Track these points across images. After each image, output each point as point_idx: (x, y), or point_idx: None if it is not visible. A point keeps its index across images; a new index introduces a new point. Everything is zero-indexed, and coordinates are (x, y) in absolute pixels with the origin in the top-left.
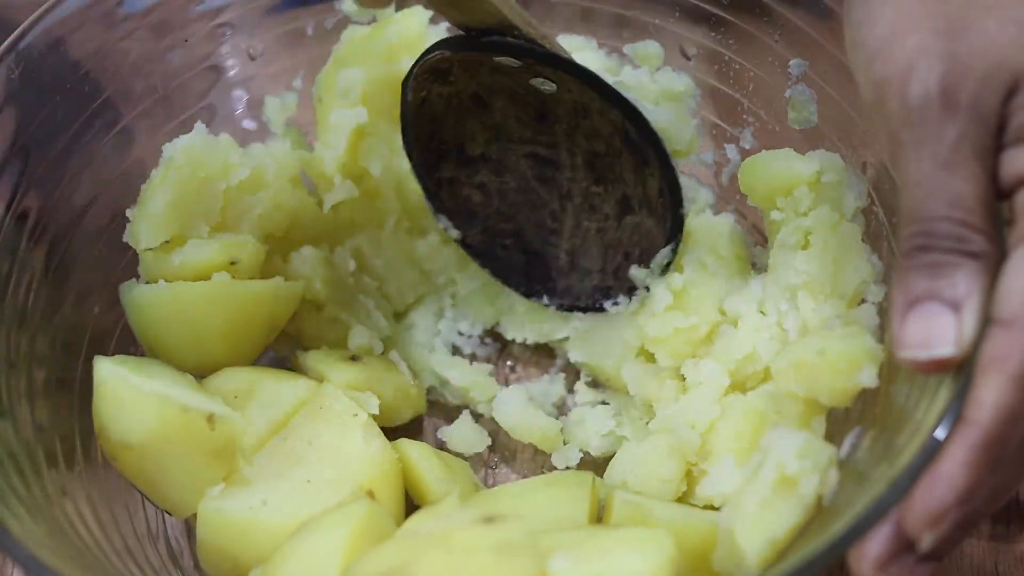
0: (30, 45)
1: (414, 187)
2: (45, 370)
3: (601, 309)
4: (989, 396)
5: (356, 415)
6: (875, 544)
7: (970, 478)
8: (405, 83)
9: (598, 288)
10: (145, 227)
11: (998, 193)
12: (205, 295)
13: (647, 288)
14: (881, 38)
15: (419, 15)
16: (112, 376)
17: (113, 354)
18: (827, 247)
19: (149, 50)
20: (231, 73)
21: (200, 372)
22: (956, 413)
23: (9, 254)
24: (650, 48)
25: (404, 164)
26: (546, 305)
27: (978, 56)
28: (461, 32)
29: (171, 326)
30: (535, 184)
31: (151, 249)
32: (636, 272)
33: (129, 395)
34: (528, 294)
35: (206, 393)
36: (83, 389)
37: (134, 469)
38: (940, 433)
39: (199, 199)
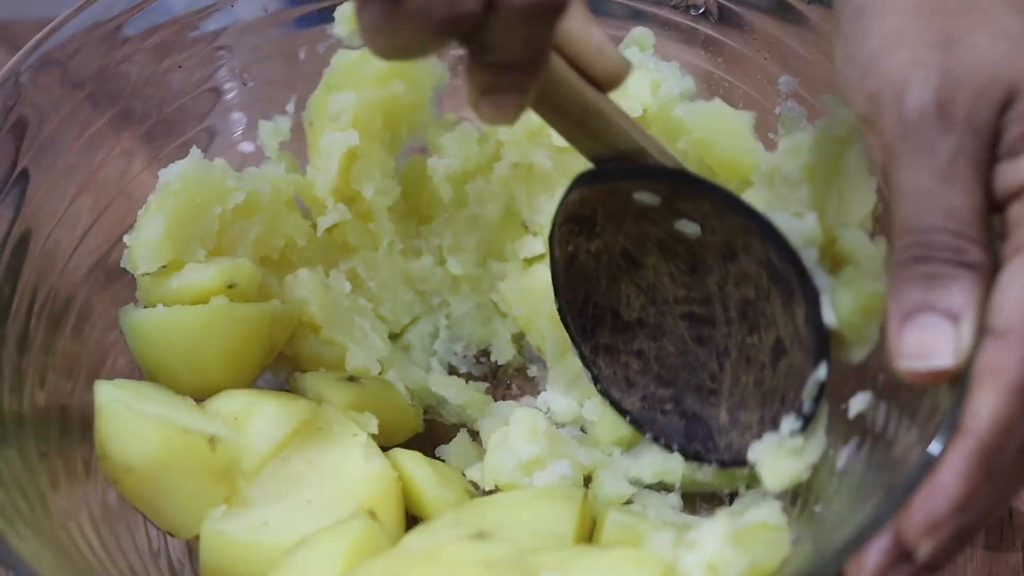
0: (31, 67)
1: (406, 208)
2: (46, 394)
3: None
4: (985, 406)
5: (355, 435)
6: (873, 554)
7: (967, 487)
8: (551, 237)
9: (757, 439)
10: (142, 252)
11: (991, 206)
12: (203, 319)
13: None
14: (873, 52)
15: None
16: (113, 400)
17: (113, 377)
18: (831, 178)
19: (149, 72)
20: (230, 96)
21: (199, 395)
22: (952, 423)
23: (10, 277)
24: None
25: (395, 187)
26: (709, 466)
27: (971, 70)
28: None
29: (169, 349)
30: (693, 346)
31: (149, 274)
32: (785, 422)
33: (130, 419)
34: (691, 457)
35: (206, 415)
36: (84, 413)
37: (136, 492)
38: (937, 444)
39: (195, 224)
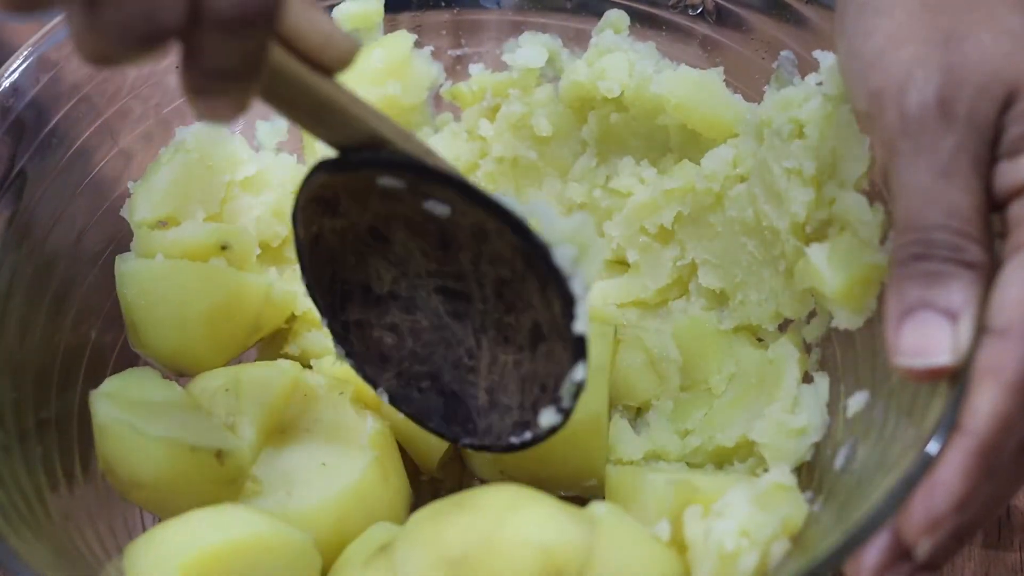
0: (28, 68)
1: None
2: (46, 393)
3: (517, 448)
4: (984, 404)
5: (341, 393)
6: (872, 553)
7: (966, 486)
8: (294, 218)
9: (518, 423)
10: (143, 200)
11: (992, 204)
12: (196, 274)
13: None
14: (876, 49)
15: (405, 39)
16: (115, 421)
17: (112, 373)
18: (824, 136)
19: (147, 72)
20: None
21: (178, 364)
22: (952, 422)
23: (8, 277)
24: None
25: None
26: (466, 446)
27: (974, 68)
28: (335, 154)
29: (158, 301)
30: (448, 320)
31: (146, 224)
32: (544, 415)
33: (136, 440)
34: (449, 438)
35: (206, 414)
36: (83, 412)
37: (146, 502)
38: (936, 442)
39: (201, 185)
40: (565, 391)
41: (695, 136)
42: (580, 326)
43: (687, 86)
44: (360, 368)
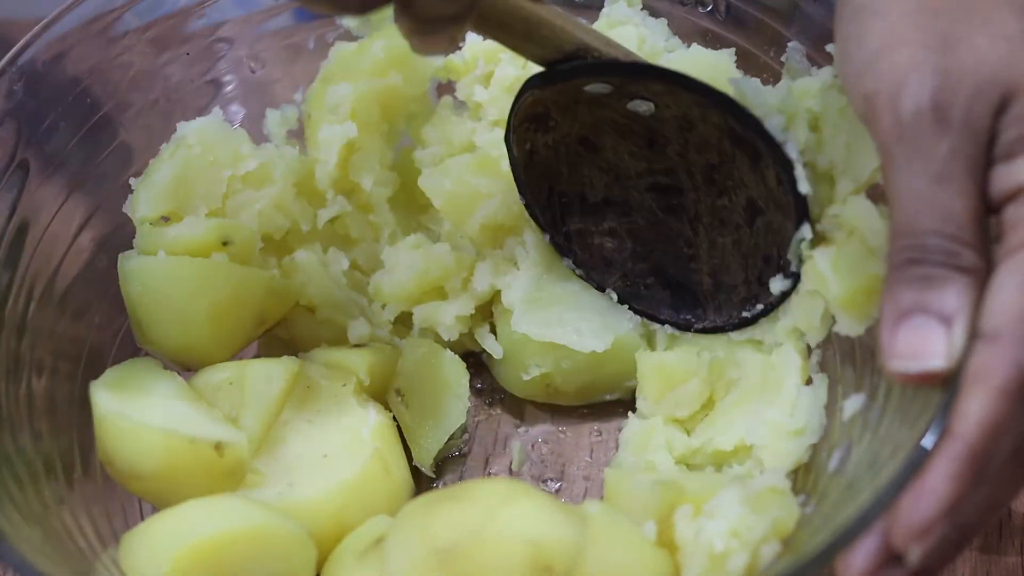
0: (30, 60)
1: (405, 200)
2: (44, 380)
3: (749, 321)
4: (975, 409)
5: (344, 385)
6: (861, 556)
7: (955, 491)
8: (507, 138)
9: (746, 299)
10: (145, 197)
11: (987, 208)
12: (199, 271)
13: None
14: (872, 52)
15: None
16: (114, 412)
17: (113, 364)
18: (837, 129)
19: (148, 65)
20: (229, 88)
21: (183, 359)
22: (942, 426)
23: (9, 265)
24: None
25: (394, 178)
26: (700, 331)
27: (969, 72)
28: (543, 69)
29: (162, 298)
30: (662, 216)
31: (148, 221)
32: (775, 283)
33: (135, 431)
34: (682, 327)
35: (206, 405)
36: (82, 401)
37: (145, 492)
38: (926, 445)
39: (203, 181)
40: (792, 253)
41: None
42: (803, 187)
43: (697, 66)
44: (588, 276)
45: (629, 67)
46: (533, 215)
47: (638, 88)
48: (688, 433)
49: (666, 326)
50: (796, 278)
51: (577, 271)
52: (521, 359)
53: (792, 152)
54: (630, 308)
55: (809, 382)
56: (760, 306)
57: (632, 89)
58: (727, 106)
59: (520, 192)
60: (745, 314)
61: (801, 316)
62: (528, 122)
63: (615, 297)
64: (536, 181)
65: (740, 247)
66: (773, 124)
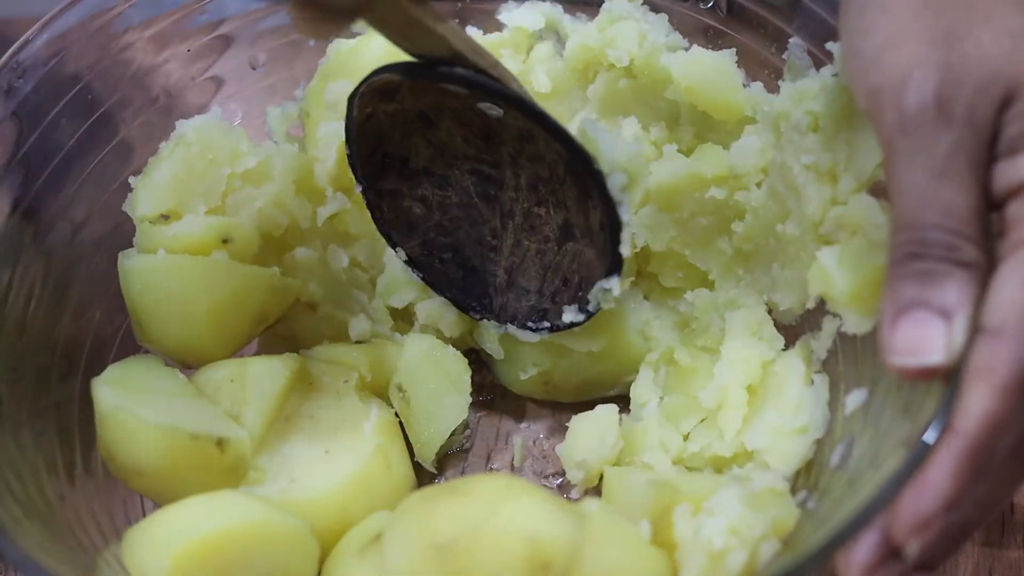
0: (31, 57)
1: None
2: (46, 377)
3: (532, 330)
4: (976, 405)
5: (346, 381)
6: (862, 550)
7: (955, 486)
8: (351, 99)
9: (535, 309)
10: (144, 195)
11: (989, 204)
12: (200, 269)
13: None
14: (876, 47)
15: None
16: (116, 408)
17: (114, 361)
18: (839, 127)
19: (149, 62)
20: (229, 85)
21: (184, 357)
22: (943, 421)
23: (10, 264)
24: None
25: None
26: (479, 320)
27: (973, 67)
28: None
29: (163, 297)
30: (477, 200)
31: (148, 219)
32: (568, 312)
33: (136, 427)
34: (464, 309)
35: (208, 401)
36: (83, 398)
37: (146, 488)
38: (927, 440)
39: (202, 179)
40: (593, 295)
41: (706, 115)
42: (625, 250)
43: (698, 69)
44: (387, 232)
45: (494, 90)
46: (352, 165)
47: (495, 97)
48: (684, 438)
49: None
50: (588, 315)
51: (378, 227)
52: (519, 358)
53: (625, 214)
54: (419, 276)
55: (810, 382)
56: (546, 323)
57: (485, 95)
58: (573, 151)
59: (347, 145)
60: (530, 324)
61: (816, 338)
62: (376, 92)
63: (404, 257)
64: (366, 139)
65: (543, 258)
66: (615, 181)
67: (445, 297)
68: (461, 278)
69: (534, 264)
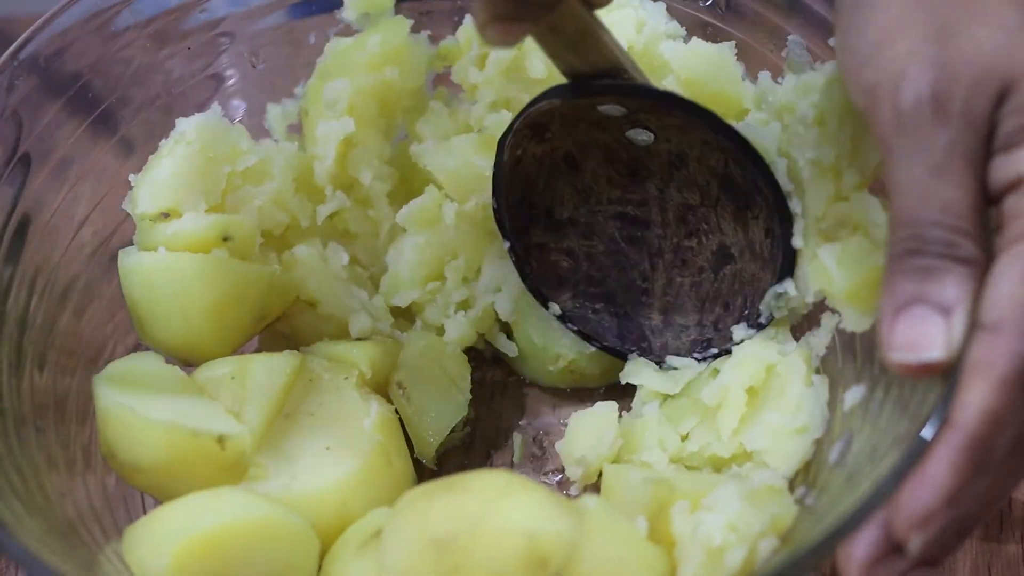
0: (31, 55)
1: (404, 194)
2: (46, 374)
3: (704, 359)
4: (975, 399)
5: (346, 378)
6: (862, 546)
7: (956, 481)
8: (502, 141)
9: (697, 341)
10: (145, 193)
11: (987, 199)
12: (199, 267)
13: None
14: (871, 44)
15: (402, 24)
16: (116, 405)
17: (115, 358)
18: (843, 123)
19: (149, 60)
20: (230, 82)
21: (185, 355)
22: (942, 416)
23: (11, 260)
24: None
25: (393, 173)
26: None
27: (968, 63)
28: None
29: (162, 295)
30: (623, 245)
31: (148, 217)
32: (738, 331)
33: (137, 424)
34: (622, 356)
35: (208, 398)
36: (83, 395)
37: (147, 485)
38: (926, 435)
39: (202, 177)
40: (765, 305)
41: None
42: (798, 241)
43: (697, 60)
44: (535, 289)
45: (659, 94)
46: (499, 220)
47: (649, 117)
48: (683, 438)
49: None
50: (760, 328)
51: (526, 283)
52: (546, 353)
53: (796, 206)
54: (573, 329)
55: (811, 382)
56: (713, 350)
57: (642, 117)
58: (742, 148)
59: (494, 194)
60: (696, 356)
61: (815, 335)
62: (528, 129)
63: (558, 312)
64: (514, 187)
65: (699, 290)
66: (781, 173)
67: (602, 347)
68: (616, 325)
69: (690, 298)
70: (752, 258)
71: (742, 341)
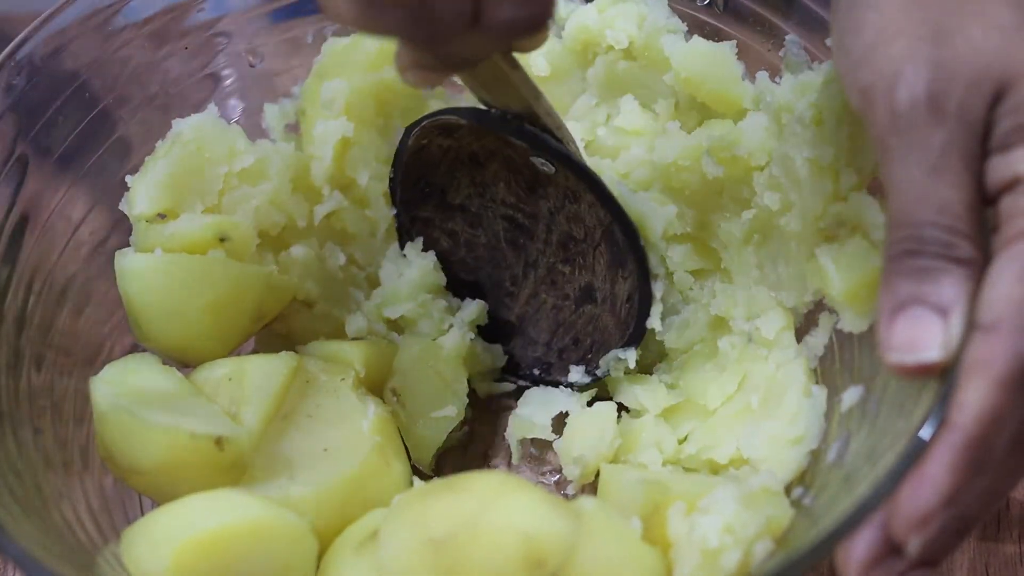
0: (29, 54)
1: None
2: (44, 375)
3: (537, 381)
4: (972, 399)
5: (343, 379)
6: (861, 546)
7: (954, 481)
8: (409, 129)
9: (540, 360)
10: (142, 193)
11: (983, 199)
12: (197, 268)
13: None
14: (867, 44)
15: None
16: (114, 408)
17: (112, 359)
18: (841, 122)
19: (147, 59)
20: (228, 82)
21: (182, 356)
22: (940, 417)
23: (8, 262)
24: None
25: (391, 173)
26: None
27: (964, 63)
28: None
29: (160, 296)
30: (504, 245)
31: (145, 218)
32: (574, 372)
33: (135, 427)
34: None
35: (206, 400)
36: (80, 396)
37: (145, 487)
38: (924, 435)
39: (199, 178)
40: (604, 361)
41: (705, 106)
42: (655, 323)
43: (698, 59)
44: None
45: (555, 152)
46: (392, 190)
47: (551, 158)
48: (680, 442)
49: None
50: (595, 379)
51: (401, 252)
52: None
53: (658, 290)
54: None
55: (809, 392)
56: (549, 377)
57: (544, 153)
58: (620, 222)
59: (393, 169)
60: (535, 371)
61: (812, 335)
62: (437, 128)
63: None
64: (414, 168)
65: (558, 314)
66: (654, 258)
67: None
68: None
69: (547, 318)
70: (611, 311)
71: (572, 385)
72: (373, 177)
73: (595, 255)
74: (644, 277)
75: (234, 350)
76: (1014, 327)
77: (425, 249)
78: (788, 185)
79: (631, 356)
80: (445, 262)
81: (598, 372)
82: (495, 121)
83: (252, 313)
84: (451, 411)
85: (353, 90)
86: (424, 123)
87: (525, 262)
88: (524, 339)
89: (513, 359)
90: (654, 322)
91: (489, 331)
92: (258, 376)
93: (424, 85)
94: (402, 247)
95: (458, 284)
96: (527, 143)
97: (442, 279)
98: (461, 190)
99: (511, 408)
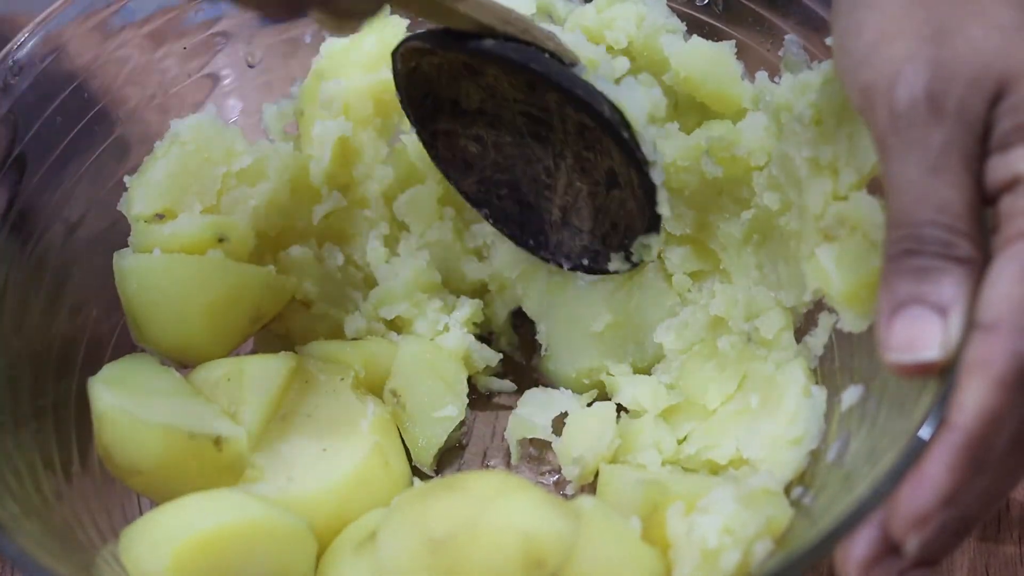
0: (27, 54)
1: (400, 194)
2: (43, 376)
3: (589, 271)
4: (972, 399)
5: (342, 379)
6: (860, 546)
7: (953, 480)
8: (393, 55)
9: (587, 249)
10: (140, 194)
11: (983, 199)
12: (195, 268)
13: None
14: (867, 44)
15: (397, 25)
16: (113, 408)
17: (111, 359)
18: (841, 121)
19: (145, 60)
20: (226, 82)
21: (181, 357)
22: (939, 416)
23: (6, 262)
24: None
25: (389, 172)
26: (540, 258)
27: (964, 62)
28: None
29: (158, 296)
30: (530, 140)
31: (143, 219)
32: (614, 260)
33: (134, 427)
34: (523, 245)
35: (205, 400)
36: (80, 397)
37: (144, 487)
38: (923, 435)
39: (197, 178)
40: (636, 248)
41: (704, 106)
42: (664, 210)
43: (697, 59)
44: (445, 171)
45: (516, 63)
46: (405, 111)
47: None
48: (680, 442)
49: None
50: (633, 266)
51: (437, 165)
52: (568, 359)
53: (658, 177)
54: (480, 212)
55: (809, 393)
56: (596, 266)
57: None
58: (605, 126)
59: (397, 91)
60: (584, 260)
61: (812, 335)
62: (415, 51)
63: (468, 199)
64: (415, 87)
65: (594, 199)
66: (648, 141)
67: (505, 234)
68: (518, 213)
69: (587, 204)
70: (632, 196)
71: (617, 271)
72: (371, 177)
73: (607, 141)
74: (642, 169)
75: (233, 350)
76: (1014, 327)
77: (455, 158)
78: (788, 185)
79: (654, 242)
80: (478, 168)
81: (633, 259)
82: (452, 42)
83: (251, 313)
84: (451, 411)
85: (351, 90)
86: (400, 50)
87: (553, 153)
88: (571, 229)
89: (563, 250)
90: (663, 208)
91: (535, 225)
92: (257, 376)
93: (343, 32)
94: (435, 163)
95: (496, 187)
96: (490, 60)
97: (437, 277)
98: (472, 96)
99: (511, 408)
